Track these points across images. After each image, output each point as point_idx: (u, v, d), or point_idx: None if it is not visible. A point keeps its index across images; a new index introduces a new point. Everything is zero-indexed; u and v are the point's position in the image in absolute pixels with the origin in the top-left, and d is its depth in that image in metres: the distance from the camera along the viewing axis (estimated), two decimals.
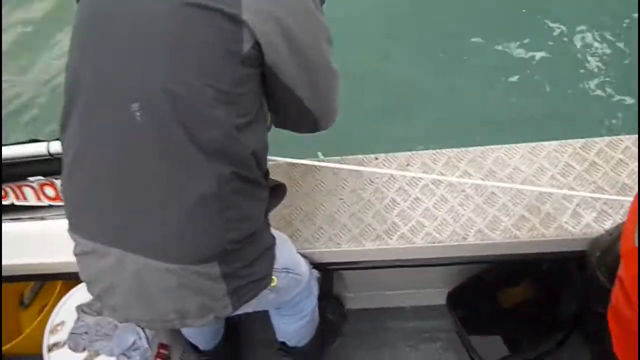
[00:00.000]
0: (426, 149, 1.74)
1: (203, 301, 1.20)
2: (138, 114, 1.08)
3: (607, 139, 1.64)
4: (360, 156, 1.74)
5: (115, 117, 1.11)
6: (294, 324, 1.76)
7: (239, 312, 1.38)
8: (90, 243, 1.20)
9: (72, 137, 1.20)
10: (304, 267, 1.60)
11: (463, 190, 1.64)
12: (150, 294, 1.17)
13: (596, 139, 1.65)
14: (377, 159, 1.73)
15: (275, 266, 1.35)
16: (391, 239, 1.62)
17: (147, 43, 1.09)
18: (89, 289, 1.26)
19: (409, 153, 1.73)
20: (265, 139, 1.28)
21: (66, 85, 1.21)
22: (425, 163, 1.70)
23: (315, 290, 1.74)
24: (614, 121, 3.00)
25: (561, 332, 1.91)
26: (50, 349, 1.86)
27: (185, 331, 1.88)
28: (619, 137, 1.64)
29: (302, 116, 1.32)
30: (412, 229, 1.62)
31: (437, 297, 2.02)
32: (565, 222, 1.56)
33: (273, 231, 1.39)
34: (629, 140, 1.63)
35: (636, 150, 1.61)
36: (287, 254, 1.47)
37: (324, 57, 1.24)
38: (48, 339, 1.88)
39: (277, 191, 1.39)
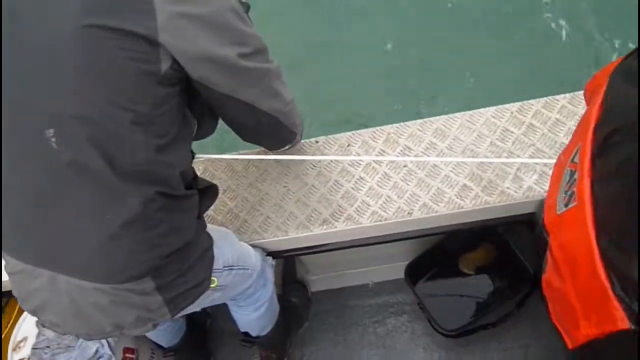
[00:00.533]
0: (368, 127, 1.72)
1: (139, 313, 1.20)
2: (54, 139, 1.04)
3: (542, 100, 1.64)
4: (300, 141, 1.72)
5: (32, 142, 1.07)
6: (252, 314, 1.76)
7: (183, 313, 1.38)
8: (20, 264, 1.18)
9: None
10: (252, 259, 1.60)
11: (405, 166, 1.64)
12: (83, 311, 1.17)
13: (532, 101, 1.64)
14: (317, 142, 1.72)
15: (215, 267, 1.35)
16: (338, 221, 1.62)
17: (55, 68, 1.03)
18: (23, 305, 1.25)
19: (349, 133, 1.71)
20: (188, 153, 1.27)
21: None
22: (366, 142, 1.69)
23: (270, 277, 1.74)
24: None
25: (520, 294, 1.94)
26: (15, 349, 1.85)
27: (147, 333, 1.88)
28: (555, 97, 1.64)
29: (260, 122, 1.30)
30: (358, 210, 1.62)
31: (399, 271, 2.04)
32: (508, 188, 1.56)
33: (211, 229, 1.38)
34: (565, 99, 1.63)
35: (572, 108, 1.62)
36: (229, 251, 1.45)
37: (254, 64, 1.20)
38: (12, 357, 1.87)
39: (209, 192, 1.37)
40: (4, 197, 1.15)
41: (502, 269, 1.99)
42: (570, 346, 0.94)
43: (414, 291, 1.94)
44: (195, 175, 1.31)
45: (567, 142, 1.56)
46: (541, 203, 1.56)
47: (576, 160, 0.90)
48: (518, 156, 1.59)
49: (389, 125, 1.70)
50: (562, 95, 1.63)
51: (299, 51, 3.09)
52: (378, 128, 1.70)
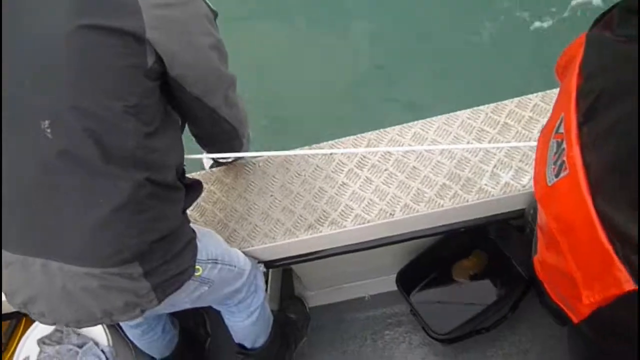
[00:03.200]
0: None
1: (127, 298, 1.25)
2: (49, 130, 1.14)
3: (515, 100, 1.69)
4: (284, 152, 1.78)
5: (26, 134, 1.17)
6: (245, 321, 1.80)
7: (175, 308, 1.43)
8: (13, 255, 1.24)
9: None
10: (240, 260, 1.65)
11: (386, 169, 1.69)
12: (74, 297, 1.22)
13: (505, 102, 1.69)
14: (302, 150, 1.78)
15: (199, 257, 1.41)
16: (322, 226, 1.66)
17: (51, 65, 1.14)
18: (11, 300, 1.30)
19: (332, 142, 1.77)
20: (177, 144, 1.35)
21: None
22: (347, 148, 1.75)
23: (261, 284, 1.79)
24: None
25: (513, 296, 1.94)
26: None
27: (138, 344, 1.91)
28: (528, 96, 1.69)
29: (218, 125, 1.43)
30: (342, 214, 1.67)
31: (394, 282, 2.06)
32: (485, 184, 1.60)
33: (196, 227, 1.45)
34: (537, 97, 1.68)
35: (544, 105, 1.66)
36: (213, 246, 1.52)
37: (221, 68, 1.34)
38: None
39: (194, 188, 1.45)
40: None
41: (495, 274, 1.99)
42: (575, 320, 0.93)
43: (406, 298, 1.96)
44: (184, 172, 1.40)
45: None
46: (529, 198, 1.59)
47: (561, 130, 0.91)
48: (494, 154, 1.63)
49: (369, 132, 1.76)
50: (535, 95, 1.68)
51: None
52: (359, 135, 1.76)
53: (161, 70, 1.22)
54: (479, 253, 2.05)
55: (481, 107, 1.71)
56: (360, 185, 1.69)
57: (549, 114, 1.64)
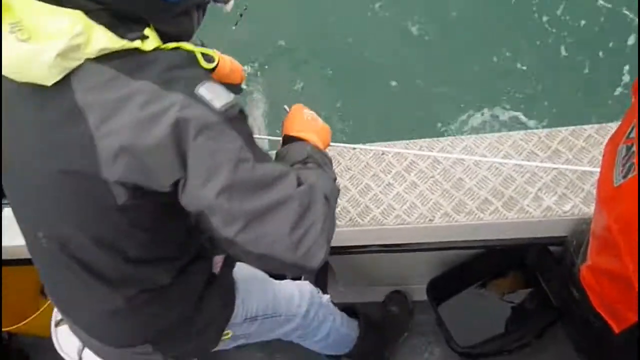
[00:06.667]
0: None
1: None
2: (44, 241, 1.14)
3: (570, 128, 1.72)
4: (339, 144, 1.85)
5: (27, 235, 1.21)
6: (318, 345, 1.78)
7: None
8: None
9: None
10: (292, 305, 1.57)
11: (432, 177, 1.74)
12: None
13: (560, 129, 1.72)
14: (354, 149, 1.85)
15: (234, 321, 1.38)
16: (363, 220, 1.73)
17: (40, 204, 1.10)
18: None
19: (384, 143, 1.84)
20: (180, 236, 1.18)
21: None
22: (399, 152, 1.81)
23: (326, 315, 1.71)
24: None
25: (541, 325, 1.95)
26: (57, 324, 2.01)
27: None
28: (582, 126, 1.71)
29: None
30: (383, 212, 1.73)
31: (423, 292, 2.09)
32: (527, 205, 1.63)
33: (242, 279, 1.42)
34: (592, 129, 1.70)
35: (598, 137, 1.68)
36: (255, 302, 1.44)
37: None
38: (55, 315, 2.04)
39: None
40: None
41: (527, 299, 2.01)
42: (617, 330, 0.96)
43: (434, 307, 1.99)
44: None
45: (590, 169, 1.64)
46: (571, 230, 1.60)
47: (632, 135, 0.95)
48: (541, 177, 1.66)
49: (422, 139, 1.81)
50: (590, 125, 1.71)
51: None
52: (411, 141, 1.82)
53: (143, 191, 0.99)
54: (517, 274, 2.06)
55: (535, 131, 1.74)
56: (406, 188, 1.75)
57: (601, 147, 1.67)
